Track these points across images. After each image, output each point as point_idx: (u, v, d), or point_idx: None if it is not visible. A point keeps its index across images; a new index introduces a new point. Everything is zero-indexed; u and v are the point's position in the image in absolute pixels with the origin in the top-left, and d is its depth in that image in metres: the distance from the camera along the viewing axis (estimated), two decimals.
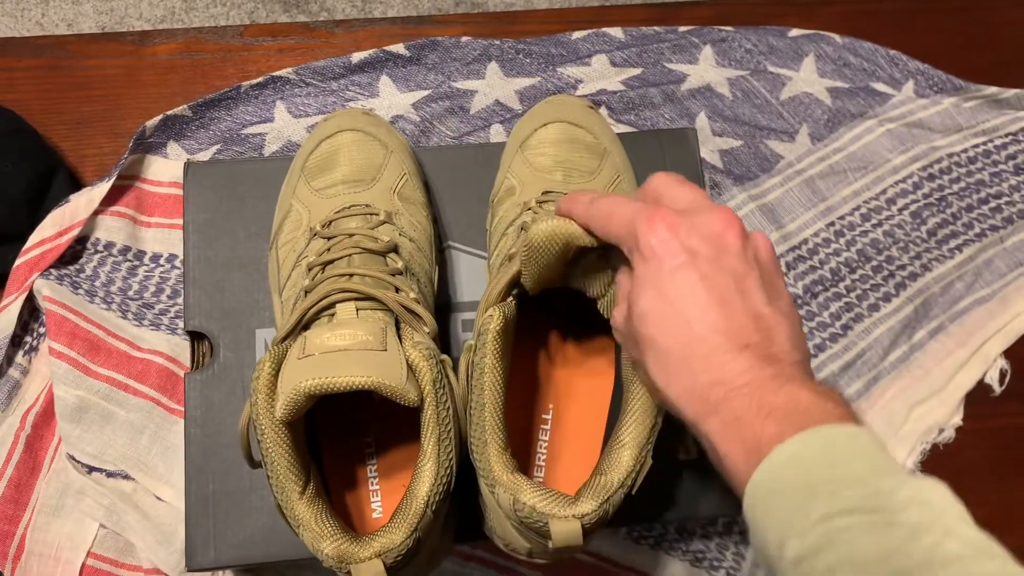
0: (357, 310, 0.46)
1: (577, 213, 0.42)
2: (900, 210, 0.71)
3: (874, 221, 0.71)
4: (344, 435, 0.52)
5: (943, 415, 0.67)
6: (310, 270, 0.49)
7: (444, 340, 0.58)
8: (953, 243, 0.71)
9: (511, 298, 0.46)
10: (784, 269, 0.69)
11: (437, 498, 0.43)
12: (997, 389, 0.68)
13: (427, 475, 0.43)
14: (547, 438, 0.53)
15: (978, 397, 0.68)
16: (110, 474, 0.61)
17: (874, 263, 0.70)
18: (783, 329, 0.36)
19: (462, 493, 0.49)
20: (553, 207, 0.52)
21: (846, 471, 0.31)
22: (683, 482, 0.57)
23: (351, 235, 0.50)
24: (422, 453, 0.44)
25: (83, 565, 0.60)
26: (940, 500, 0.30)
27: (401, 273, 0.49)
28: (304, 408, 0.42)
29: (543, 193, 0.53)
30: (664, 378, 0.36)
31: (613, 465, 0.44)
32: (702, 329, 0.35)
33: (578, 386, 0.54)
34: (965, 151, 0.73)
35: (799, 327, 0.37)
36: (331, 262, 0.49)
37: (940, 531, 0.29)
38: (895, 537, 0.29)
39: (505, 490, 0.42)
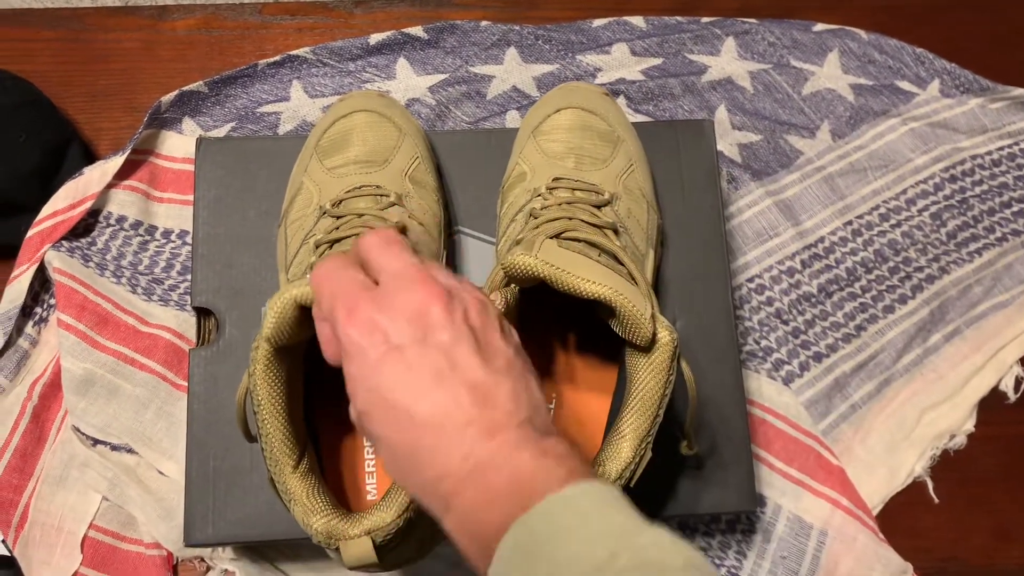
0: None
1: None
2: (920, 211, 0.70)
3: (893, 221, 0.70)
4: (342, 415, 0.51)
5: (955, 421, 0.66)
6: (317, 247, 0.49)
7: None
8: (973, 246, 0.69)
9: (514, 284, 0.46)
10: (799, 267, 0.68)
11: None
12: (1012, 397, 0.67)
13: None
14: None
15: (992, 404, 0.67)
16: (114, 447, 0.61)
17: (891, 264, 0.69)
18: (503, 389, 0.34)
19: None
20: (563, 194, 0.52)
21: (564, 551, 0.30)
22: (685, 477, 0.56)
23: (360, 215, 0.50)
24: None
25: (85, 536, 0.60)
26: (659, 554, 0.29)
27: None
28: (293, 328, 0.41)
29: (554, 180, 0.53)
30: (401, 477, 0.35)
31: (612, 456, 0.43)
32: (422, 414, 0.33)
33: (582, 376, 0.53)
34: (989, 153, 0.72)
35: (522, 378, 0.36)
36: (339, 240, 0.49)
37: None
38: None
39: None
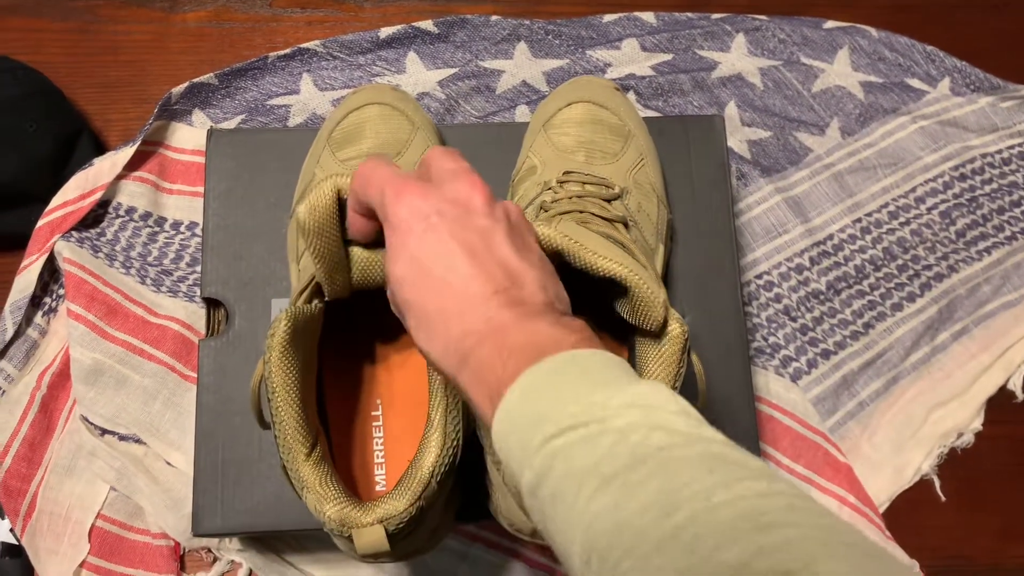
0: None
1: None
2: (929, 209, 0.70)
3: (902, 219, 0.70)
4: (353, 407, 0.52)
5: (963, 419, 0.65)
6: None
7: None
8: (982, 245, 0.69)
9: None
10: (808, 264, 0.68)
11: (442, 469, 0.43)
12: (1020, 396, 0.67)
13: (433, 445, 0.43)
14: None
15: (1000, 403, 0.67)
16: (122, 437, 0.62)
17: (899, 262, 0.69)
18: (531, 277, 0.37)
19: (468, 471, 0.49)
20: (574, 187, 0.52)
21: (568, 392, 0.32)
22: None
23: None
24: (429, 423, 0.43)
25: (92, 526, 0.61)
26: (656, 399, 0.31)
27: None
28: (325, 218, 0.42)
29: (564, 173, 0.53)
30: (426, 339, 0.37)
31: None
32: (454, 282, 0.36)
33: None
34: (999, 152, 0.72)
35: (550, 276, 0.39)
36: None
37: (647, 428, 0.30)
38: (604, 444, 0.29)
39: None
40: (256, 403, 0.46)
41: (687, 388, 0.49)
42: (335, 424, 0.51)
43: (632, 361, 0.48)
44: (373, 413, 0.52)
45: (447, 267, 0.36)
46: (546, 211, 0.51)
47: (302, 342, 0.44)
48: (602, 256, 0.43)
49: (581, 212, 0.50)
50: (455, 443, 0.44)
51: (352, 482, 0.50)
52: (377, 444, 0.52)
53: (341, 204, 0.44)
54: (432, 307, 0.36)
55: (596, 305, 0.49)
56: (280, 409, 0.43)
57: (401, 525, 0.41)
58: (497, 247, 0.37)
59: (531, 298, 0.36)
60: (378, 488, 0.51)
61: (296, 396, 0.42)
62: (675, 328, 0.43)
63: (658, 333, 0.44)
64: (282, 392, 0.43)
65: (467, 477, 0.50)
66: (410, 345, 0.48)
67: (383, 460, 0.51)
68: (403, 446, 0.51)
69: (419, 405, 0.52)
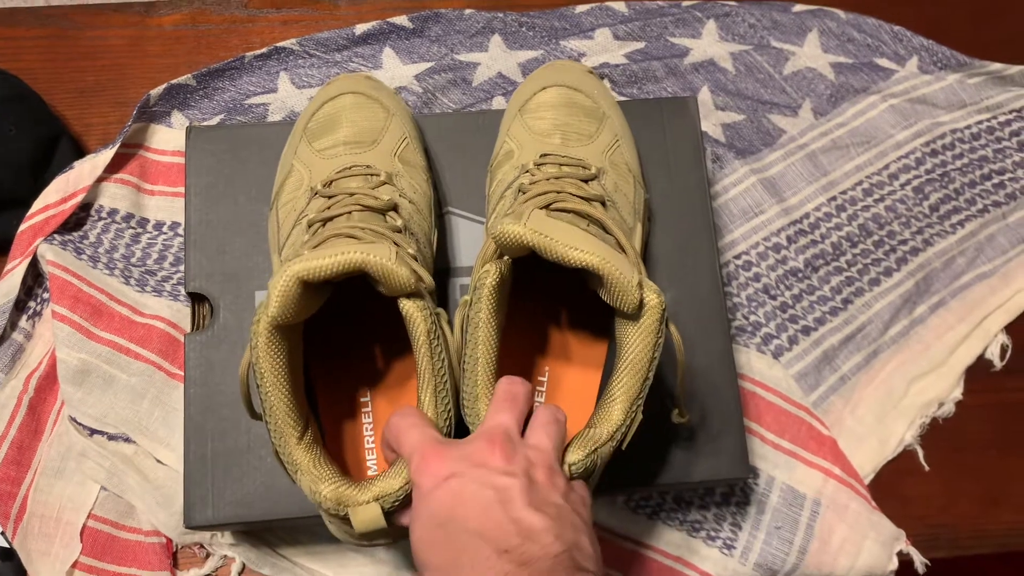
0: None
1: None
2: (902, 185, 0.71)
3: (876, 196, 0.71)
4: (341, 394, 0.52)
5: (943, 389, 0.67)
6: (310, 227, 0.50)
7: (442, 304, 0.58)
8: (955, 218, 0.71)
9: (507, 256, 0.46)
10: (785, 243, 0.69)
11: None
12: (998, 364, 0.68)
13: None
14: (542, 400, 0.53)
15: (979, 372, 0.68)
16: (111, 437, 0.62)
17: (875, 238, 0.70)
18: (546, 529, 0.38)
19: None
20: (551, 170, 0.53)
21: None
22: (678, 448, 0.57)
23: (352, 194, 0.51)
24: (419, 404, 0.44)
25: (84, 526, 0.61)
26: None
27: (400, 231, 0.49)
28: (297, 305, 0.42)
29: (541, 156, 0.53)
30: None
31: (603, 419, 0.44)
32: (466, 541, 0.38)
33: (574, 351, 0.54)
34: (968, 127, 0.73)
35: (568, 525, 0.39)
36: (331, 219, 0.49)
37: None
38: None
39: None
40: (245, 393, 0.46)
41: (667, 365, 0.50)
42: (324, 412, 0.51)
43: (613, 343, 0.48)
44: (362, 400, 0.53)
45: (460, 526, 0.38)
46: (524, 193, 0.51)
47: (288, 329, 0.45)
48: (573, 248, 0.43)
49: (559, 193, 0.50)
50: (446, 422, 0.44)
51: (344, 468, 0.50)
52: (367, 430, 0.52)
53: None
54: (445, 564, 0.38)
55: (580, 292, 0.49)
56: (269, 394, 0.43)
57: (397, 503, 0.42)
58: (512, 503, 0.38)
59: (543, 552, 0.37)
60: (370, 473, 0.51)
61: (285, 380, 0.43)
62: (652, 298, 0.44)
63: (637, 313, 0.45)
64: (270, 377, 0.43)
65: None
66: (396, 330, 0.48)
67: (373, 445, 0.52)
68: None
69: (408, 389, 0.52)
